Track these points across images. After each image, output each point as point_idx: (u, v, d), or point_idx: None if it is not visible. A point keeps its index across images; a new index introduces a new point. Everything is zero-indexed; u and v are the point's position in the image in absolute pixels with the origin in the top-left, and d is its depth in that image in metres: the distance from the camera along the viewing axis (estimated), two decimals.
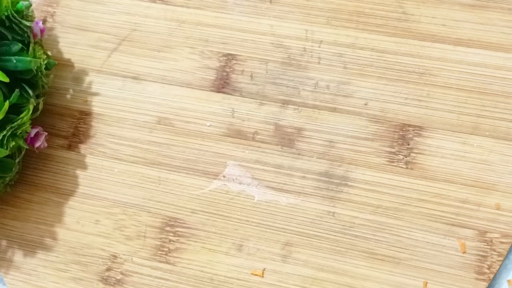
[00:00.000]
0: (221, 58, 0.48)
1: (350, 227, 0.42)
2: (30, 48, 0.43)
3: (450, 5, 0.47)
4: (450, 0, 0.47)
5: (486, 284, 0.40)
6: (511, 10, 0.47)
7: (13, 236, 0.44)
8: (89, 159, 0.46)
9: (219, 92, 0.48)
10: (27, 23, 0.43)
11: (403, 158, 0.44)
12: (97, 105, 0.48)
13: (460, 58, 0.46)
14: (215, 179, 0.45)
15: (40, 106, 0.44)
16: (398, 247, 0.41)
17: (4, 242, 0.44)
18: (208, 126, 0.47)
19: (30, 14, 0.44)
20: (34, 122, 0.44)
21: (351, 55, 0.47)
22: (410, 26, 0.47)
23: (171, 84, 0.48)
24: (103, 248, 0.43)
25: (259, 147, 0.45)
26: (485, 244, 0.41)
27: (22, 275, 0.42)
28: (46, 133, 0.45)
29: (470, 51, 0.46)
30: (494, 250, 0.40)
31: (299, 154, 0.45)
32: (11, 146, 0.41)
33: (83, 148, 0.47)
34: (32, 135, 0.43)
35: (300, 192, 0.44)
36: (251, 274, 0.41)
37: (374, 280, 0.41)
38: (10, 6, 0.42)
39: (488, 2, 0.47)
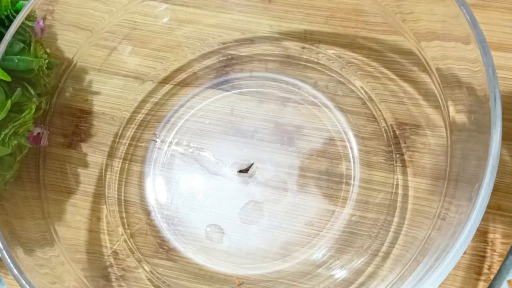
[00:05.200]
0: (220, 58, 0.49)
1: (348, 225, 0.43)
2: (32, 48, 0.43)
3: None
4: None
5: (486, 284, 0.40)
6: None
7: (12, 234, 0.44)
8: (90, 158, 0.46)
9: (218, 90, 0.48)
10: (29, 23, 0.43)
11: (400, 156, 0.44)
12: (97, 104, 0.48)
13: (460, 56, 0.46)
14: (214, 177, 0.45)
15: (43, 105, 0.45)
16: (396, 245, 0.42)
17: (4, 241, 0.44)
18: (207, 124, 0.47)
19: (32, 14, 0.44)
20: (35, 121, 0.44)
21: (350, 54, 0.47)
22: (409, 24, 0.47)
23: (171, 83, 0.48)
24: (105, 245, 0.44)
25: (258, 145, 0.46)
26: (485, 244, 0.41)
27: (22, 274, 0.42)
28: (48, 132, 0.45)
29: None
30: (494, 251, 0.41)
31: (298, 152, 0.45)
32: (13, 144, 0.41)
33: (84, 146, 0.47)
34: (35, 134, 0.43)
35: (300, 191, 0.44)
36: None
37: (373, 277, 0.41)
38: (9, 5, 0.42)
39: (489, 2, 0.47)
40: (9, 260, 0.36)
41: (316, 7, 0.49)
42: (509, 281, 0.40)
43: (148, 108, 0.48)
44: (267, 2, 0.50)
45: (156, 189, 0.45)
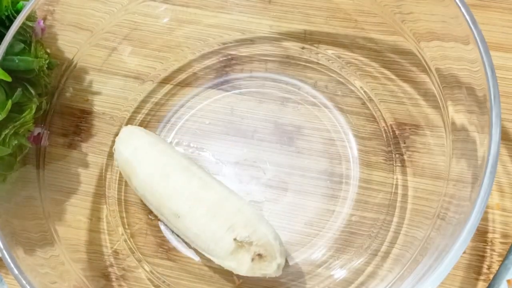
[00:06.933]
0: (220, 58, 0.49)
1: (348, 225, 0.43)
2: (32, 48, 0.43)
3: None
4: None
5: (485, 284, 0.40)
6: None
7: (13, 234, 0.44)
8: (90, 158, 0.46)
9: (218, 90, 0.48)
10: (29, 23, 0.43)
11: (400, 156, 0.44)
12: (98, 104, 0.48)
13: (459, 56, 0.46)
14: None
15: (44, 105, 0.45)
16: (395, 244, 0.42)
17: (4, 241, 0.44)
18: (207, 124, 0.47)
19: (32, 14, 0.44)
20: (36, 121, 0.44)
21: (349, 54, 0.47)
22: (409, 24, 0.47)
23: (172, 84, 0.48)
24: (105, 245, 0.44)
25: (258, 145, 0.46)
26: (485, 244, 0.41)
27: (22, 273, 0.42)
28: (48, 132, 0.45)
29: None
30: (494, 250, 0.41)
31: (298, 152, 0.45)
32: (13, 144, 0.41)
33: (84, 146, 0.47)
34: (35, 134, 0.44)
35: (300, 191, 0.44)
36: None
37: (373, 277, 0.41)
38: (10, 6, 0.42)
39: (488, 2, 0.47)
40: (9, 260, 0.36)
41: (316, 7, 0.49)
42: (508, 281, 0.40)
43: (148, 108, 0.48)
44: (267, 3, 0.50)
45: None
